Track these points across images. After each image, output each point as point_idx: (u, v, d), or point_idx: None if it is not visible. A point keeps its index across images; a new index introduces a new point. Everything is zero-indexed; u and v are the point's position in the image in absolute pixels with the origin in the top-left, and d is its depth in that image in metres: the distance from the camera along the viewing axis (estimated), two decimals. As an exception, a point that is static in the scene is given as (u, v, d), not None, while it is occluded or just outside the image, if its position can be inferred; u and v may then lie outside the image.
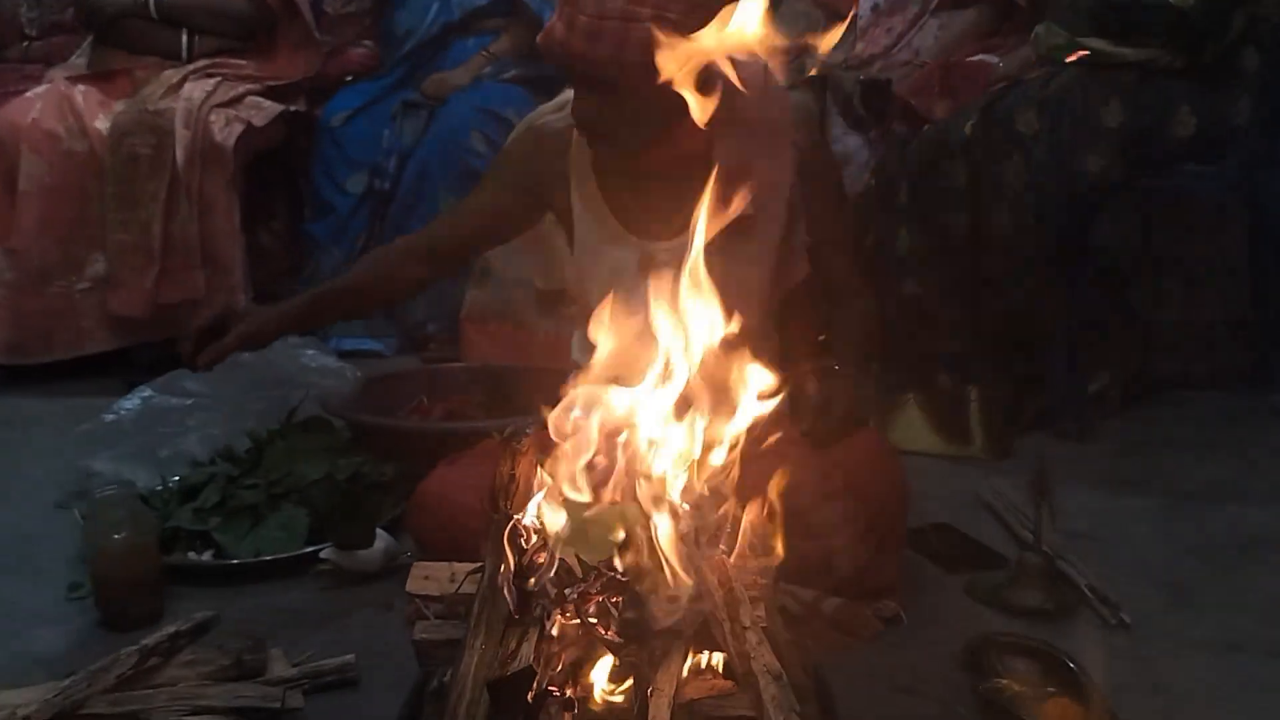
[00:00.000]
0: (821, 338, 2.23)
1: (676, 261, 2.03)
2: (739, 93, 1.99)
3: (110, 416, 2.77)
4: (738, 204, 1.94)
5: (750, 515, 1.42)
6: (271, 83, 3.70)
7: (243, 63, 3.70)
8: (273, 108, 3.63)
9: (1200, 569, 2.20)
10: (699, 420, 1.40)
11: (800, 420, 1.96)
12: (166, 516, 2.32)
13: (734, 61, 2.03)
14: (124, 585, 2.09)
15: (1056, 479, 2.14)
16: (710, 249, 1.98)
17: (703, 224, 1.60)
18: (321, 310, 2.26)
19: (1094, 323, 2.89)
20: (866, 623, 1.96)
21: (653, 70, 1.84)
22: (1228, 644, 1.94)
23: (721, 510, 1.42)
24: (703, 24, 1.75)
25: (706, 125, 1.94)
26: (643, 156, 2.01)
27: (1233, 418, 2.96)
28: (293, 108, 3.74)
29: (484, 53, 3.83)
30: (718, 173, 1.98)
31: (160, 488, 2.45)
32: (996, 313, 2.83)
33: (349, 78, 3.98)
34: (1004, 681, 1.75)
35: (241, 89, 3.61)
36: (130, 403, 2.81)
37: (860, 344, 2.13)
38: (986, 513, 2.45)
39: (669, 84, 1.87)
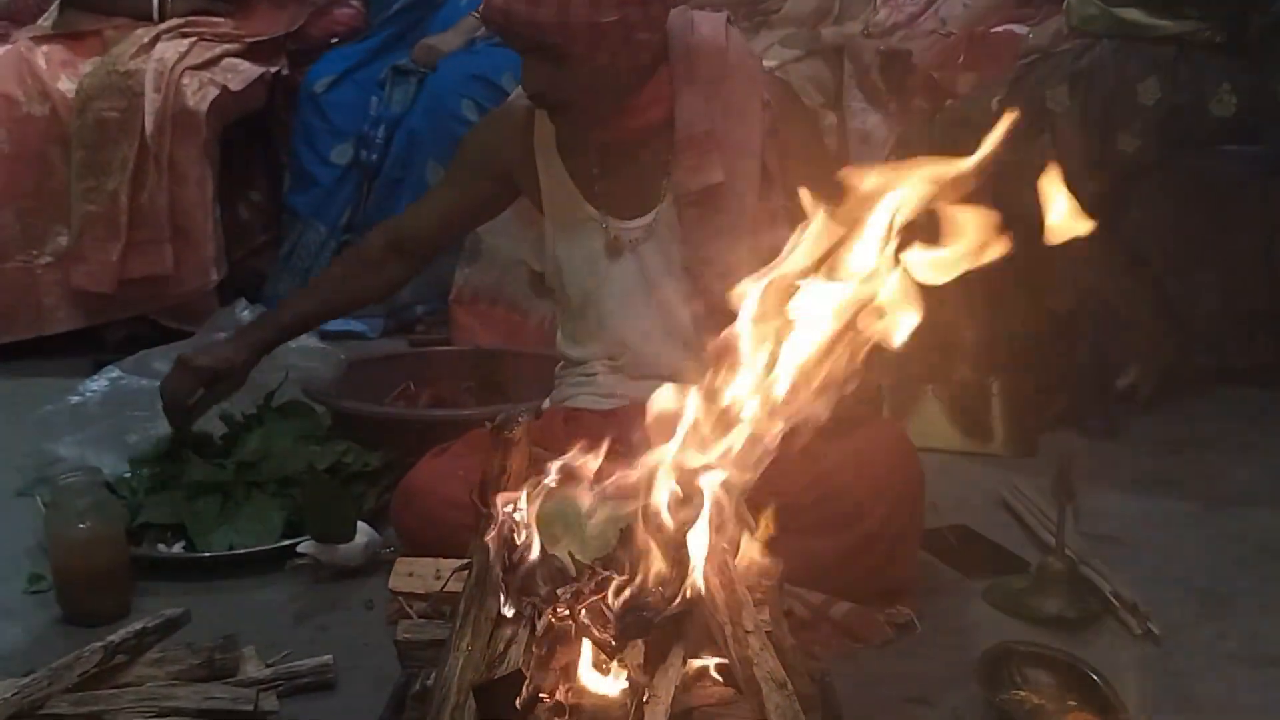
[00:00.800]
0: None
1: (644, 242, 2.07)
2: (700, 51, 2.00)
3: (76, 398, 2.77)
4: (705, 173, 1.95)
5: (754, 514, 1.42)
6: (251, 40, 3.69)
7: (219, 20, 3.69)
8: (251, 70, 3.62)
9: (1234, 576, 2.20)
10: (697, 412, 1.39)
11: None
12: (134, 506, 2.32)
13: (692, 17, 2.04)
14: (88, 578, 2.08)
15: (1081, 479, 2.14)
16: (681, 221, 1.99)
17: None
18: (295, 332, 2.36)
19: (1124, 312, 2.89)
20: (878, 628, 1.96)
21: (601, 32, 1.86)
22: (1263, 657, 1.93)
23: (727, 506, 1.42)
24: None
25: (668, 89, 1.95)
26: (603, 128, 2.01)
27: (1271, 415, 2.96)
28: (273, 69, 3.73)
29: (475, 15, 3.83)
30: (681, 141, 2.00)
31: (128, 474, 2.45)
32: (1020, 302, 2.83)
33: (334, 40, 3.98)
34: (1022, 694, 1.75)
35: (218, 49, 3.60)
36: (97, 384, 2.81)
37: None
38: (1007, 514, 2.45)
39: (620, 47, 1.88)
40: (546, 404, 2.25)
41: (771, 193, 2.04)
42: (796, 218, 1.88)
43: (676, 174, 2.02)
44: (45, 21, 3.76)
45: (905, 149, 2.97)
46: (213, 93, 3.48)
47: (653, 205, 2.07)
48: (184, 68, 3.47)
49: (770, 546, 1.50)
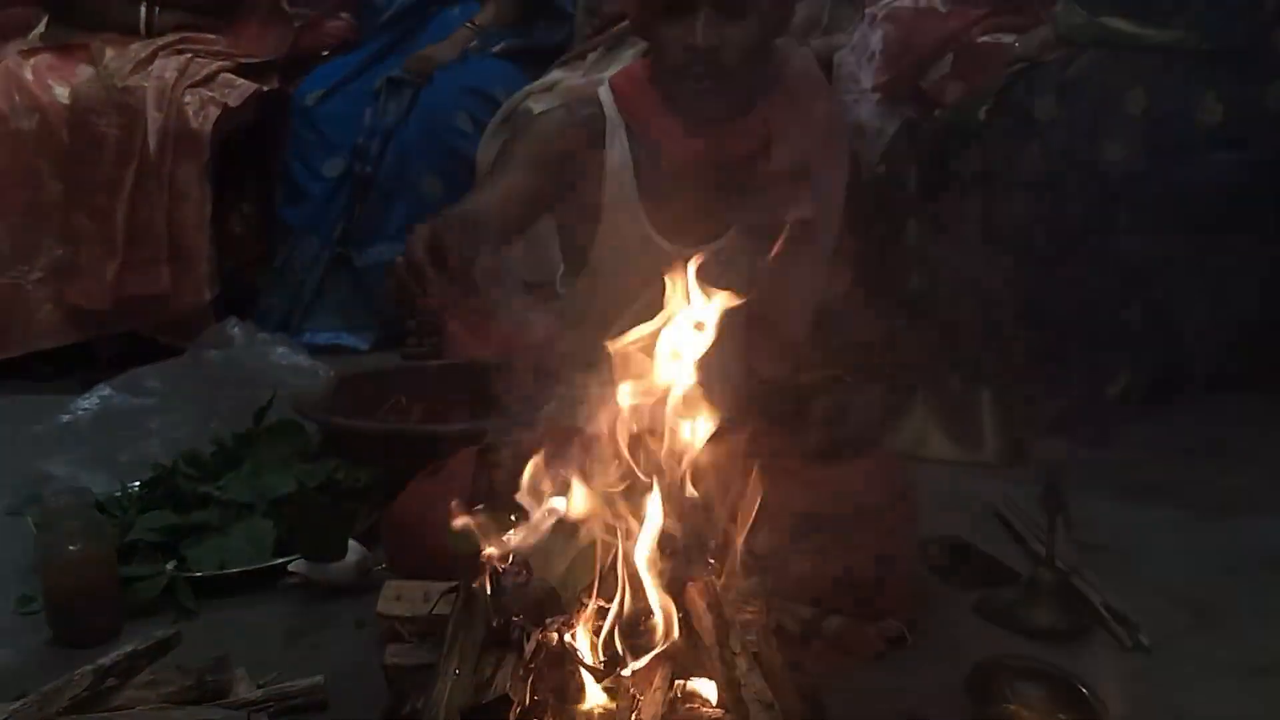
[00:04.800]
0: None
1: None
2: (799, 87, 2.01)
3: (66, 417, 2.77)
4: (796, 206, 1.94)
5: (742, 535, 1.42)
6: (243, 60, 3.69)
7: (211, 37, 3.70)
8: (246, 86, 3.62)
9: (1227, 587, 2.20)
10: (689, 435, 1.40)
11: (803, 436, 1.96)
12: (126, 526, 2.32)
13: (786, 55, 2.05)
14: (79, 600, 2.08)
15: (1073, 488, 2.14)
16: (765, 251, 1.99)
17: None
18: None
19: (1115, 320, 2.89)
20: (869, 643, 1.96)
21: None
22: (1255, 668, 1.93)
23: (712, 530, 1.42)
24: None
25: (765, 121, 1.94)
26: (700, 146, 1.99)
27: (1264, 423, 2.96)
28: (265, 87, 3.73)
29: (469, 25, 3.83)
30: (772, 174, 1.98)
31: (119, 494, 2.44)
32: (1011, 310, 2.83)
33: (324, 53, 3.98)
34: (1013, 708, 1.75)
35: (214, 66, 3.60)
36: (88, 402, 2.81)
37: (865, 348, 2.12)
38: (998, 524, 2.45)
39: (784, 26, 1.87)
40: (538, 421, 2.23)
41: (846, 236, 2.05)
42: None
43: (760, 204, 2.00)
44: (33, 34, 3.76)
45: (893, 159, 2.97)
46: (214, 113, 3.48)
47: (715, 235, 2.05)
48: (185, 86, 3.47)
49: (761, 567, 1.51)
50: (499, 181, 2.24)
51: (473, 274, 1.87)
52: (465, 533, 1.40)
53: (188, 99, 3.46)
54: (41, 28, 3.75)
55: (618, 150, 2.09)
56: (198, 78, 3.52)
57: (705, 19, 1.96)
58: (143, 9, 3.65)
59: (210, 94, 3.51)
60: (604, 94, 2.22)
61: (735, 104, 1.99)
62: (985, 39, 3.13)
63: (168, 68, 3.49)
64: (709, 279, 1.41)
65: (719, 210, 2.05)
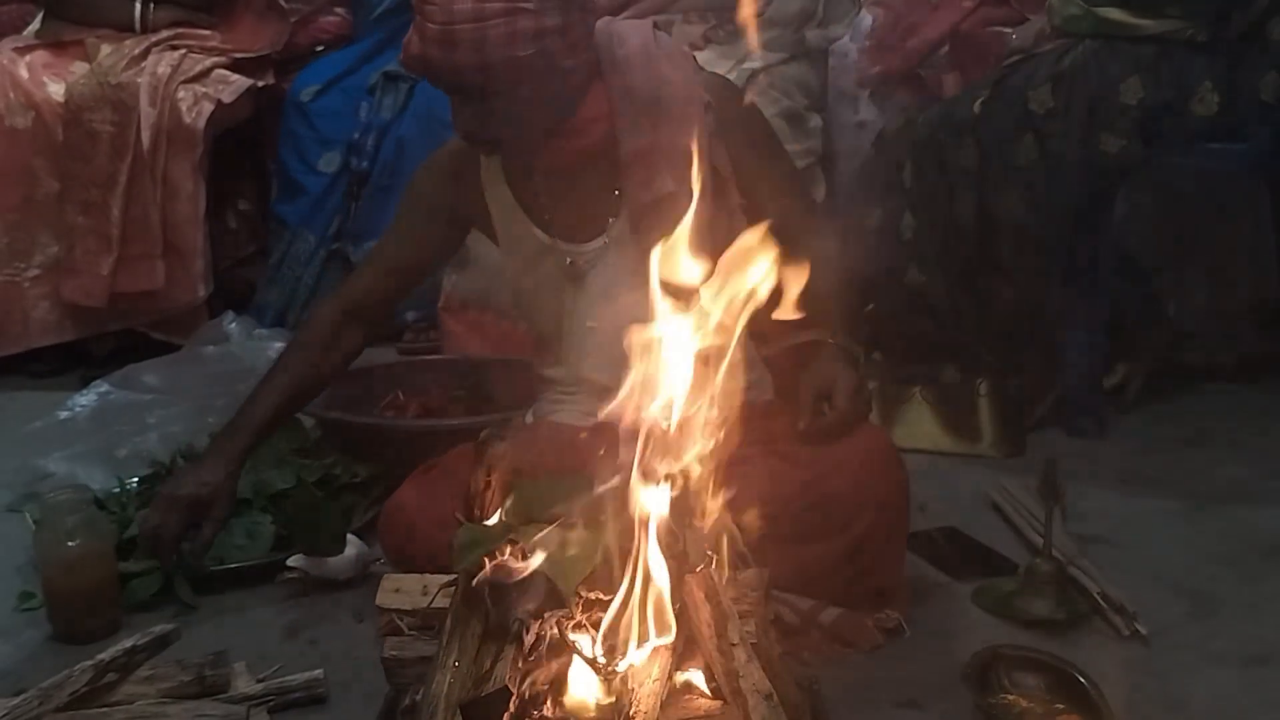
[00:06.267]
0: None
1: (602, 261, 2.06)
2: (632, 64, 1.99)
3: (64, 413, 2.78)
4: (656, 185, 1.94)
5: (737, 524, 1.43)
6: (238, 55, 3.69)
7: (206, 33, 3.69)
8: (241, 82, 3.62)
9: (1223, 576, 2.20)
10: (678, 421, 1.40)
11: (797, 413, 1.96)
12: (124, 522, 2.32)
13: (618, 30, 2.03)
14: (78, 596, 2.08)
15: (1070, 478, 2.15)
16: (639, 235, 1.98)
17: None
18: (267, 431, 2.20)
19: (1111, 311, 2.90)
20: (867, 634, 1.97)
21: (522, 66, 1.84)
22: (1251, 657, 1.94)
23: (708, 521, 1.43)
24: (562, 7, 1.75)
25: (605, 107, 1.93)
26: (546, 154, 1.99)
27: (1260, 413, 2.97)
28: (260, 83, 3.73)
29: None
30: (627, 156, 1.98)
31: (118, 490, 2.45)
32: (1007, 301, 2.84)
33: (319, 48, 3.98)
34: (1011, 697, 1.77)
35: (208, 62, 3.59)
36: (86, 399, 2.82)
37: (831, 305, 2.03)
38: (996, 515, 2.46)
39: (545, 77, 1.87)
40: (529, 418, 2.25)
41: (726, 193, 2.04)
42: (753, 215, 1.88)
43: (627, 189, 2.00)
44: (27, 31, 3.76)
45: (885, 151, 2.97)
46: (208, 108, 3.48)
47: (605, 224, 2.06)
48: (178, 82, 3.47)
49: (757, 554, 1.51)
50: (380, 248, 2.28)
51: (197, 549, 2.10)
52: (468, 547, 1.41)
53: (181, 95, 3.46)
54: (36, 24, 3.75)
55: (489, 167, 2.09)
56: (191, 74, 3.52)
57: (454, 106, 1.93)
58: (137, 5, 3.63)
59: (204, 90, 3.51)
60: None
61: (534, 145, 1.97)
62: (982, 31, 3.13)
63: (161, 63, 3.48)
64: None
65: (598, 201, 2.05)
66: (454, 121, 1.96)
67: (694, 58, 2.10)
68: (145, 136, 3.37)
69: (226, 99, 3.54)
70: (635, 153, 1.97)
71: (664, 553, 1.34)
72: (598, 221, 2.05)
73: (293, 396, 2.21)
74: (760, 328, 1.47)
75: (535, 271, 2.11)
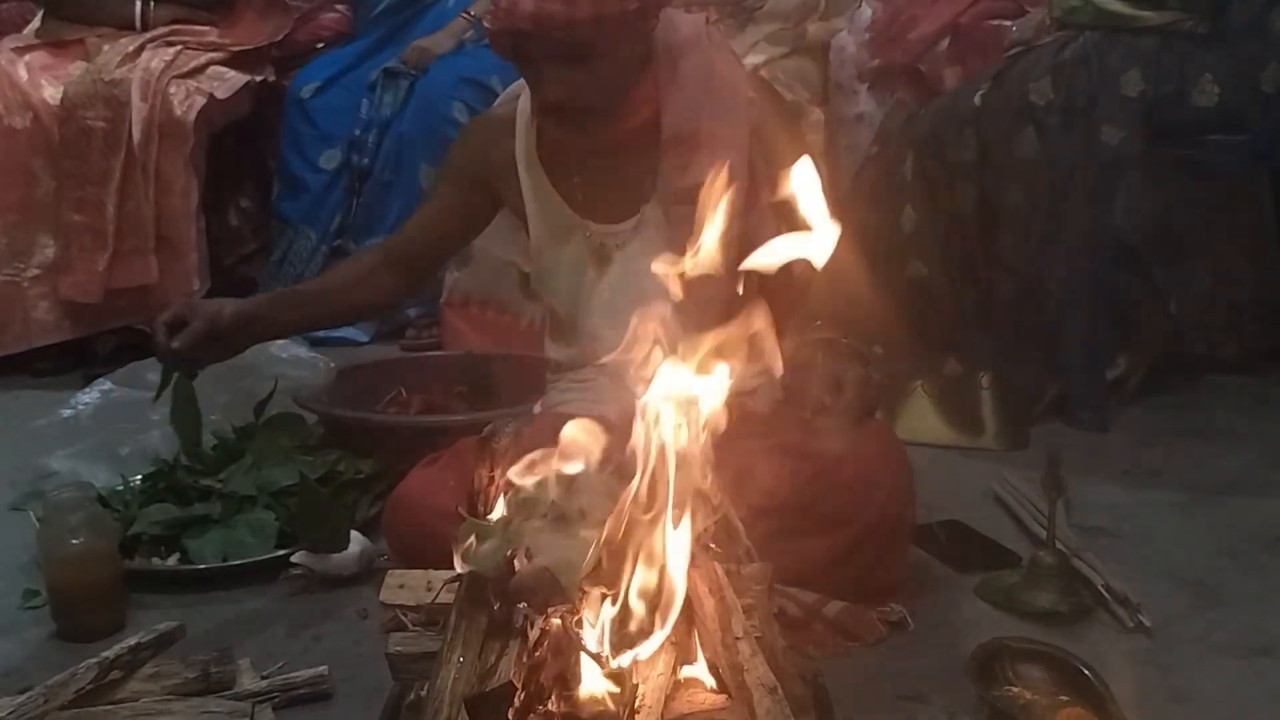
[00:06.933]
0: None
1: (630, 244, 2.06)
2: (683, 52, 2.00)
3: (67, 412, 2.77)
4: (693, 171, 1.94)
5: (739, 516, 1.43)
6: (236, 49, 3.68)
7: (204, 29, 3.69)
8: (237, 78, 3.62)
9: (1227, 568, 2.21)
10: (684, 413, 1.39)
11: (808, 406, 1.96)
12: (128, 520, 2.32)
13: (673, 18, 2.04)
14: (82, 593, 2.08)
15: (1073, 471, 2.15)
16: (669, 221, 1.98)
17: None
18: (284, 307, 2.23)
19: (1113, 304, 2.90)
20: (870, 627, 1.97)
21: (628, 21, 1.84)
22: (1255, 648, 1.94)
23: (712, 512, 1.42)
24: None
25: (654, 90, 1.93)
26: (592, 134, 2.00)
27: (1262, 404, 2.97)
28: (259, 78, 3.73)
29: (464, 15, 3.83)
30: (668, 140, 1.99)
31: (121, 488, 2.45)
32: (1008, 294, 2.84)
33: (320, 45, 3.98)
34: (1015, 689, 1.76)
35: (204, 58, 3.60)
36: (89, 396, 2.81)
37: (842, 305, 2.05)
38: (999, 508, 2.46)
39: (639, 37, 1.87)
40: (538, 408, 2.25)
41: (758, 190, 2.04)
42: (782, 215, 1.88)
43: (664, 173, 2.01)
44: (27, 30, 3.76)
45: (887, 144, 2.97)
46: (199, 101, 3.49)
47: (637, 208, 2.06)
48: (171, 76, 3.47)
49: (761, 548, 1.51)
50: (424, 204, 2.32)
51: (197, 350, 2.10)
52: (485, 554, 1.40)
53: (173, 89, 3.46)
54: (36, 23, 3.75)
55: (522, 143, 2.09)
56: (185, 69, 3.52)
57: (548, 73, 1.90)
58: (138, 3, 3.64)
59: (196, 84, 3.52)
60: (522, 86, 2.21)
61: (610, 116, 1.97)
62: (983, 24, 3.13)
63: (155, 59, 3.49)
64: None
65: (632, 185, 2.05)
66: (547, 89, 1.92)
67: (740, 56, 2.11)
68: (136, 131, 3.37)
69: (220, 94, 3.54)
70: (676, 138, 1.97)
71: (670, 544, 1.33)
72: (630, 204, 2.06)
73: (309, 298, 2.28)
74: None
75: (560, 249, 2.11)
